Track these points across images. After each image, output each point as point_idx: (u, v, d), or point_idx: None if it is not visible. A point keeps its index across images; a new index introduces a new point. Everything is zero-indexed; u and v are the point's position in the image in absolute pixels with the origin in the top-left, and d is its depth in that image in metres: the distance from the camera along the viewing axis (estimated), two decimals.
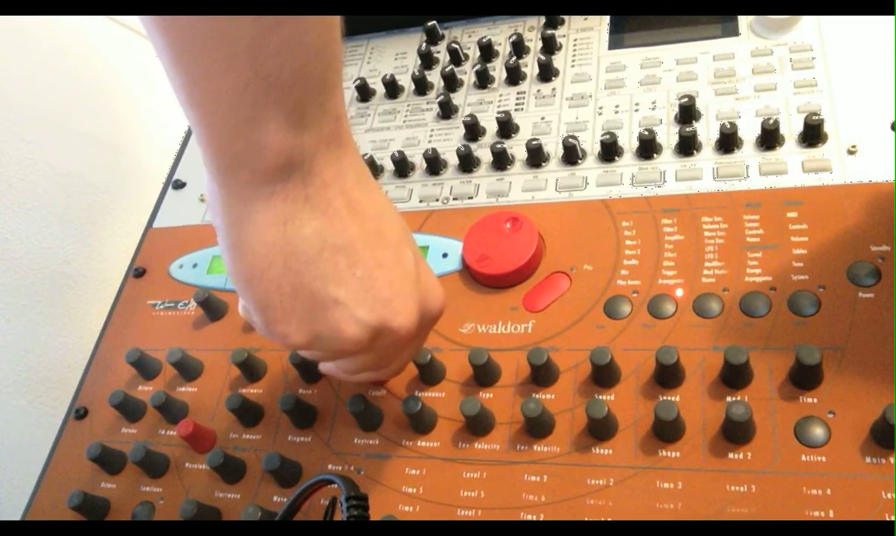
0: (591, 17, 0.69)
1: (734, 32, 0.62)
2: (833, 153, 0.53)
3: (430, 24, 0.73)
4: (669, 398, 0.45)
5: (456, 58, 0.70)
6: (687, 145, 0.56)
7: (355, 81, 0.71)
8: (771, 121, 0.53)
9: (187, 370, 0.56)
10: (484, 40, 0.69)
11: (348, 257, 0.37)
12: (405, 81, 0.71)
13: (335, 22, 0.34)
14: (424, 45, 0.72)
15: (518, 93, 0.66)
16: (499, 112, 0.63)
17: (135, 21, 0.95)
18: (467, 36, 0.73)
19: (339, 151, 0.37)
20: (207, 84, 0.32)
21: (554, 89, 0.65)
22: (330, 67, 0.35)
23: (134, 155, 0.90)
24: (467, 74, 0.69)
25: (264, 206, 0.35)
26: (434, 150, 0.62)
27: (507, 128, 0.63)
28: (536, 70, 0.66)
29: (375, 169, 0.64)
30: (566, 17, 0.70)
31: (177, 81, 0.33)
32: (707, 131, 0.57)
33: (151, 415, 0.56)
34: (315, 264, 0.37)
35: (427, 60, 0.71)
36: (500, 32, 0.71)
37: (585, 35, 0.68)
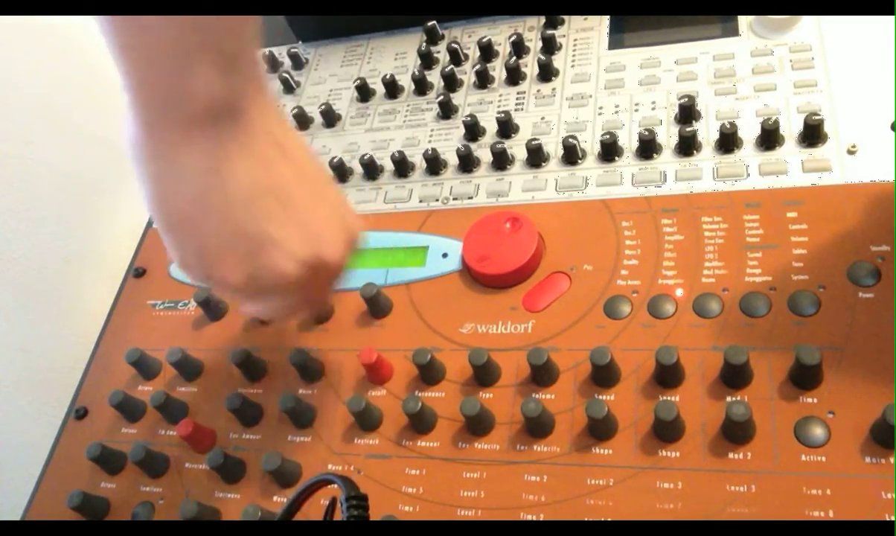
0: (591, 17, 0.69)
1: (734, 32, 0.62)
2: (833, 153, 0.53)
3: (430, 24, 0.73)
4: (669, 398, 0.45)
5: (456, 58, 0.70)
6: (687, 145, 0.56)
7: (355, 81, 0.71)
8: (771, 121, 0.53)
9: (187, 370, 0.56)
10: (484, 40, 0.69)
11: (280, 197, 0.39)
12: (405, 81, 0.71)
13: None
14: (424, 45, 0.72)
15: (518, 93, 0.66)
16: (499, 112, 0.63)
17: None
18: (467, 36, 0.73)
19: (265, 97, 0.38)
20: (143, 36, 0.33)
21: (554, 89, 0.65)
22: (257, 18, 0.36)
23: None
24: (467, 74, 0.69)
25: (197, 150, 0.36)
26: (434, 150, 0.62)
27: (507, 128, 0.63)
28: (536, 70, 0.66)
29: (375, 169, 0.64)
30: (566, 17, 0.70)
31: (110, 30, 0.34)
32: (707, 131, 0.57)
33: (151, 415, 0.56)
34: (250, 206, 0.38)
35: (427, 60, 0.71)
36: (500, 32, 0.71)
37: (585, 35, 0.68)
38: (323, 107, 0.70)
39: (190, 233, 0.38)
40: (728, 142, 0.55)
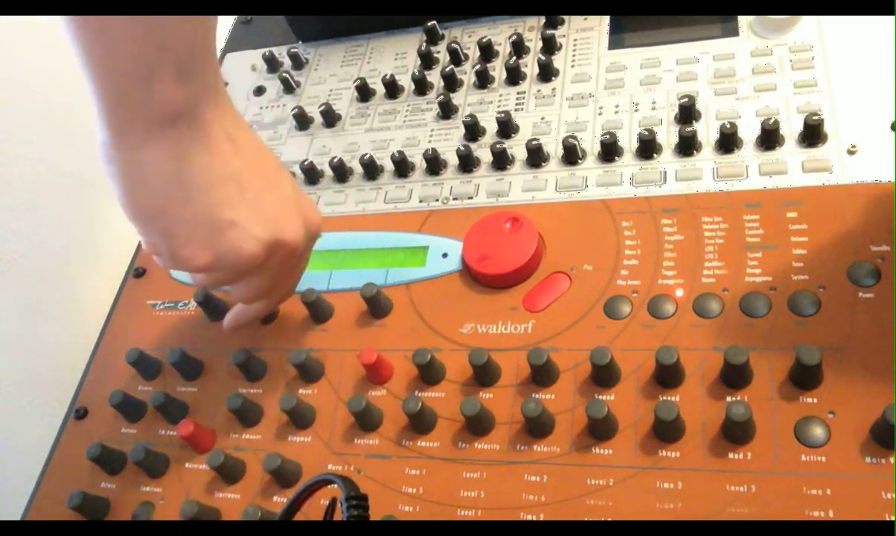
0: (591, 17, 0.69)
1: (734, 32, 0.62)
2: (833, 153, 0.53)
3: (430, 24, 0.73)
4: (669, 398, 0.45)
5: (456, 58, 0.70)
6: (687, 145, 0.56)
7: (355, 81, 0.71)
8: (771, 121, 0.53)
9: (187, 370, 0.56)
10: (484, 40, 0.69)
11: (237, 184, 0.43)
12: (405, 81, 0.71)
13: None
14: (424, 45, 0.72)
15: (518, 93, 0.66)
16: (499, 112, 0.63)
17: None
18: (467, 36, 0.73)
19: (218, 98, 0.43)
20: (108, 56, 0.37)
21: (554, 89, 0.65)
22: (209, 31, 0.41)
23: None
24: (467, 73, 0.69)
25: (158, 147, 0.40)
26: (434, 150, 0.62)
27: (507, 128, 0.63)
28: (536, 70, 0.66)
29: (375, 169, 0.64)
30: (566, 17, 0.70)
31: (79, 48, 0.37)
32: (707, 131, 0.57)
33: (151, 415, 0.56)
34: (209, 193, 0.42)
35: (427, 60, 0.71)
36: (500, 32, 0.71)
37: (585, 35, 0.68)
38: (323, 107, 0.70)
39: (157, 221, 0.43)
40: (728, 142, 0.55)
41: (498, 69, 0.69)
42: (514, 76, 0.67)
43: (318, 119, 0.71)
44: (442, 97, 0.66)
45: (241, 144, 0.44)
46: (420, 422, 0.48)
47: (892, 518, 0.38)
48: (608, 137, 0.57)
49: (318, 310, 0.56)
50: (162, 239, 0.44)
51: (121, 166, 0.41)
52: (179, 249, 0.43)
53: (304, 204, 0.49)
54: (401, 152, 0.63)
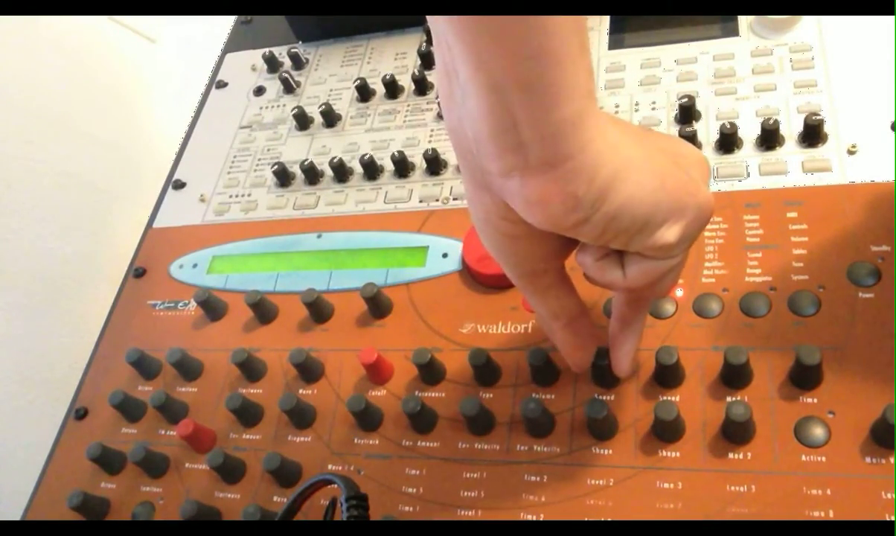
0: (591, 17, 0.69)
1: (734, 32, 0.62)
2: (833, 153, 0.53)
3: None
4: (669, 398, 0.45)
5: None
6: None
7: (355, 81, 0.71)
8: (771, 121, 0.53)
9: (187, 370, 0.56)
10: None
11: (656, 146, 0.36)
12: (405, 81, 0.71)
13: None
14: (424, 45, 0.72)
15: None
16: None
17: (135, 21, 0.95)
18: None
19: None
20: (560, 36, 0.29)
21: None
22: None
23: (134, 155, 0.90)
24: None
25: (607, 123, 0.32)
26: (434, 150, 0.62)
27: None
28: None
29: (375, 169, 0.64)
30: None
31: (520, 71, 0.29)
32: (707, 131, 0.57)
33: (151, 415, 0.56)
34: (656, 155, 0.35)
35: (427, 60, 0.71)
36: None
37: None
38: (323, 107, 0.70)
39: (670, 185, 0.34)
40: (728, 142, 0.55)
41: None
42: None
43: (318, 119, 0.71)
44: None
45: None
46: (420, 422, 0.48)
47: (892, 518, 0.38)
48: None
49: (318, 310, 0.56)
50: (682, 206, 0.35)
51: (609, 167, 0.32)
52: (702, 197, 0.36)
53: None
54: (401, 152, 0.63)
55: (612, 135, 0.32)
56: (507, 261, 0.39)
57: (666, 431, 0.43)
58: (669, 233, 0.35)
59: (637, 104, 0.61)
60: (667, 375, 0.45)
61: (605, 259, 0.37)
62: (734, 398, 0.44)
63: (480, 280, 0.54)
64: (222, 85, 0.79)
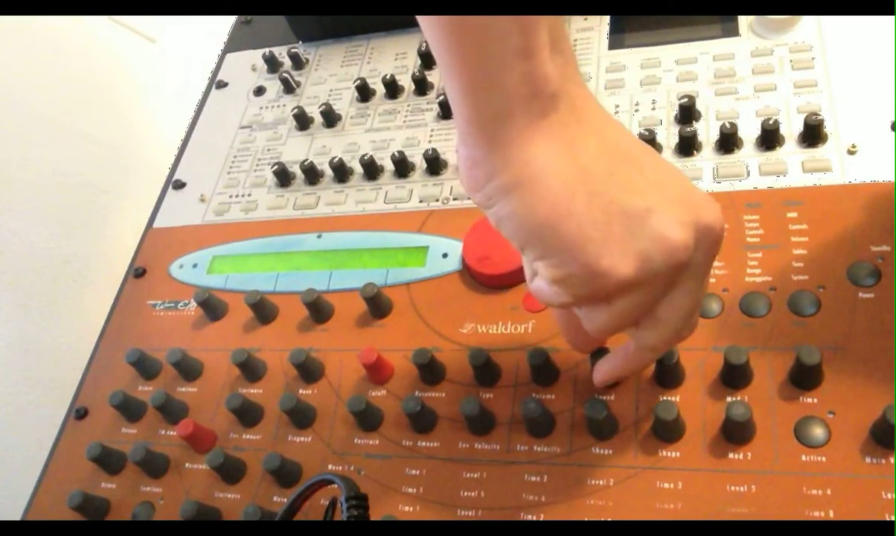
0: (591, 17, 0.69)
1: (734, 32, 0.62)
2: (833, 153, 0.53)
3: None
4: (669, 398, 0.45)
5: None
6: (687, 145, 0.56)
7: (355, 81, 0.71)
8: (771, 121, 0.53)
9: (187, 370, 0.56)
10: None
11: (634, 164, 0.35)
12: (405, 81, 0.71)
13: None
14: (424, 45, 0.72)
15: None
16: None
17: (135, 21, 0.95)
18: None
19: (577, 68, 0.35)
20: (484, 32, 0.31)
21: None
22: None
23: (134, 155, 0.90)
24: None
25: (545, 138, 0.33)
26: (434, 150, 0.62)
27: None
28: None
29: (375, 169, 0.64)
30: (566, 17, 0.70)
31: (446, 34, 0.31)
32: (707, 131, 0.57)
33: (151, 415, 0.56)
34: (612, 179, 0.34)
35: (427, 60, 0.71)
36: None
37: (585, 35, 0.68)
38: (323, 107, 0.70)
39: (565, 228, 0.34)
40: (728, 142, 0.55)
41: None
42: None
43: (319, 119, 0.71)
44: (442, 97, 0.66)
45: (612, 119, 0.36)
46: (420, 422, 0.48)
47: (892, 518, 0.38)
48: None
49: (318, 310, 0.56)
50: (567, 256, 0.34)
51: (508, 177, 0.33)
52: (598, 258, 0.33)
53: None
54: (401, 152, 0.63)
55: (543, 151, 0.33)
56: None
57: (666, 431, 0.43)
58: (548, 271, 0.35)
59: (637, 104, 0.61)
60: (667, 375, 0.45)
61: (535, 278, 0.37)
62: (734, 399, 0.44)
63: (480, 280, 0.54)
64: (222, 85, 0.79)
